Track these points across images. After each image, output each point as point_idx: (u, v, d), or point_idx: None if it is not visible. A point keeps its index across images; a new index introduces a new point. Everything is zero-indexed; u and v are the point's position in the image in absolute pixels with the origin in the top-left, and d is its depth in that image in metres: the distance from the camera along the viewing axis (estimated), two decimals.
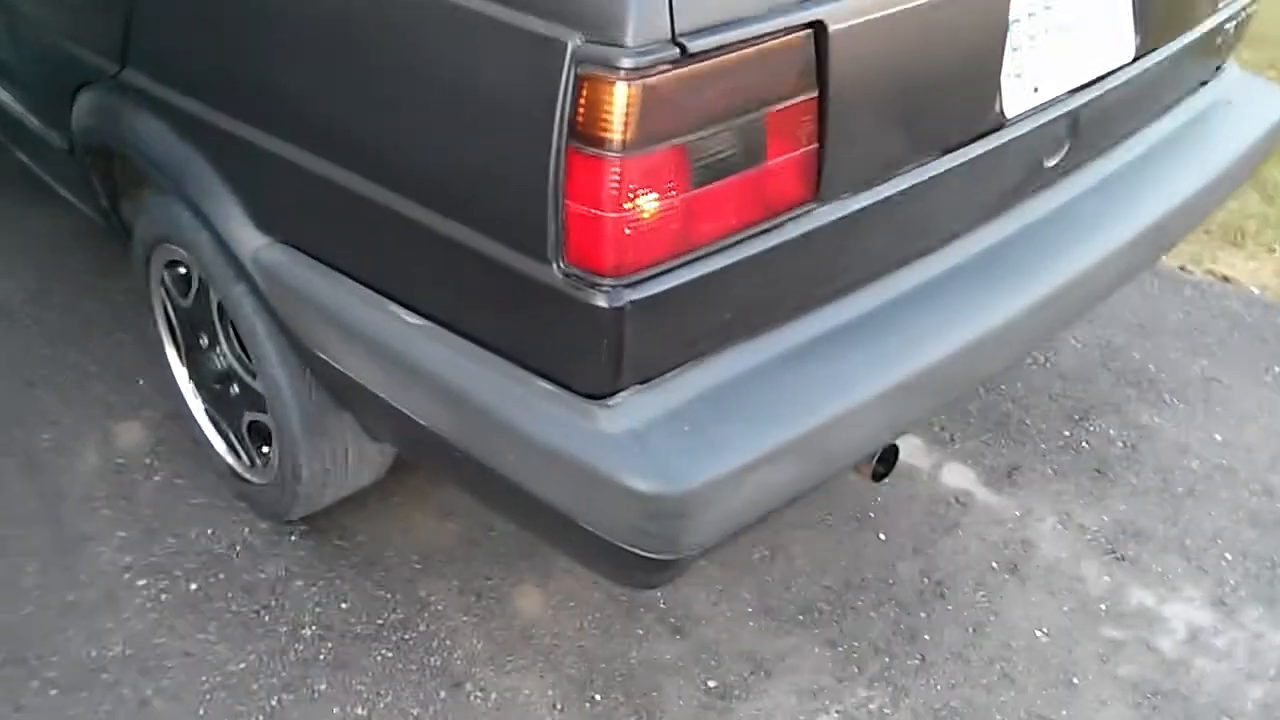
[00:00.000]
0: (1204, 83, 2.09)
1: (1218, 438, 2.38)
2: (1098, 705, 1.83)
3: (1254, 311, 2.80)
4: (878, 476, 1.61)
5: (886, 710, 1.81)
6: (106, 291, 2.79)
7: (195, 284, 1.99)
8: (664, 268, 1.25)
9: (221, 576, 2.07)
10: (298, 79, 1.51)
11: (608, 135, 1.15)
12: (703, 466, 1.27)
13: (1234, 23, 2.05)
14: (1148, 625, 1.96)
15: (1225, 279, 2.93)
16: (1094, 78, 1.70)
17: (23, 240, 3.01)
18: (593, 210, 1.19)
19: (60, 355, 2.59)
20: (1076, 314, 1.76)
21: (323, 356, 1.66)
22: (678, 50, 1.14)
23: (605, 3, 1.13)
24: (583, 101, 1.15)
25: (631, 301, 1.23)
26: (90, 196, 2.29)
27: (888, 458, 1.60)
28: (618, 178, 1.17)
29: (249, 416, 2.03)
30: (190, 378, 2.20)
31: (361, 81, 1.41)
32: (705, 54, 1.17)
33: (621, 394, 1.31)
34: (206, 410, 2.18)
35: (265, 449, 2.04)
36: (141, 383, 2.49)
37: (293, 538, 2.14)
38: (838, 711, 1.81)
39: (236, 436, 2.11)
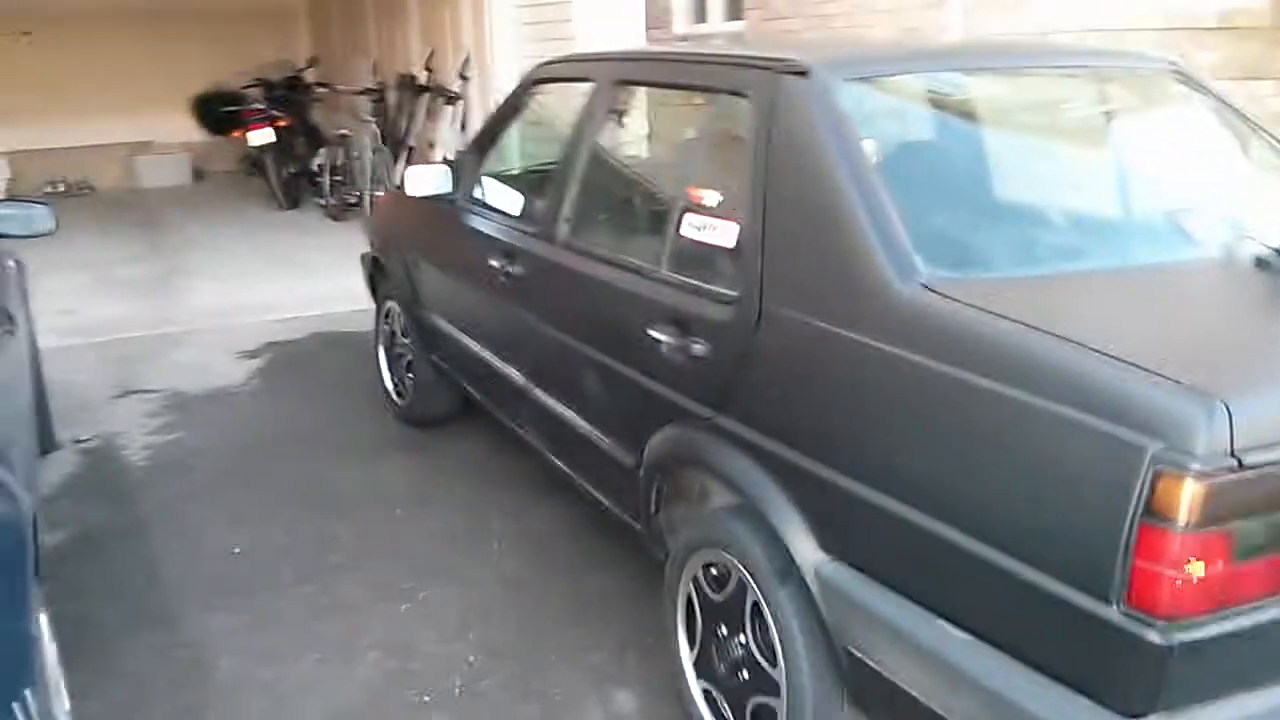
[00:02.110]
0: None
1: None
2: None
3: None
4: None
5: None
6: (595, 578, 3.43)
7: (732, 584, 2.51)
8: (1203, 620, 1.65)
9: None
10: (886, 439, 2.07)
11: (1174, 516, 1.60)
12: None
13: None
14: None
15: None
16: None
17: (528, 531, 3.77)
18: (1156, 567, 1.62)
19: (562, 629, 3.20)
20: None
21: (861, 657, 2.12)
22: (1235, 462, 1.60)
23: (1185, 424, 1.61)
24: (1157, 489, 1.61)
25: (1179, 640, 1.63)
26: (633, 504, 2.93)
27: None
28: (1179, 548, 1.61)
29: (755, 700, 2.48)
30: (695, 660, 2.70)
31: (948, 447, 1.94)
32: (1252, 466, 1.61)
33: (1153, 717, 1.68)
34: (705, 689, 2.66)
35: None
36: (630, 658, 3.03)
37: None
38: None
39: (736, 716, 2.55)
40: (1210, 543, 1.62)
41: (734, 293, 2.47)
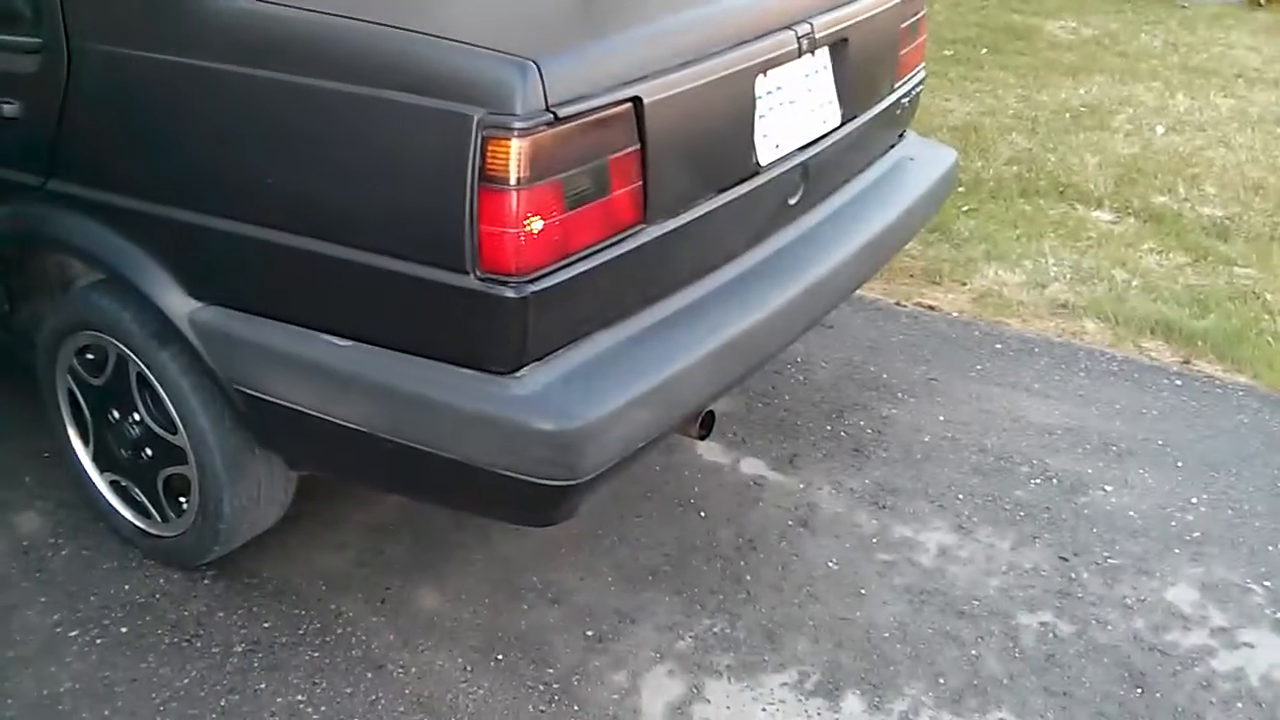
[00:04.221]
0: (893, 145, 2.83)
1: (941, 418, 3.07)
2: (882, 605, 2.40)
3: (956, 329, 3.56)
4: (702, 437, 2.15)
5: (727, 630, 2.32)
6: None
7: (111, 363, 2.32)
8: (550, 269, 1.76)
9: (149, 619, 2.36)
10: (235, 165, 1.95)
11: (506, 176, 1.67)
12: (588, 411, 1.78)
13: (908, 99, 2.81)
14: (910, 549, 2.56)
15: (931, 308, 3.70)
16: (815, 138, 2.36)
17: None
18: (499, 229, 1.69)
19: None
20: (824, 310, 2.39)
21: (254, 393, 2.05)
22: (552, 116, 1.68)
23: (501, 87, 1.66)
24: (488, 154, 1.67)
25: (532, 292, 1.73)
26: None
27: (708, 421, 2.14)
28: (516, 205, 1.69)
29: (165, 473, 2.35)
30: (94, 456, 2.50)
31: (298, 159, 1.87)
32: (569, 118, 1.71)
33: (526, 368, 1.81)
34: (112, 482, 2.49)
35: (180, 501, 2.36)
36: (27, 479, 2.75)
37: (205, 582, 2.45)
38: (691, 636, 2.30)
39: (149, 496, 2.42)
40: (542, 196, 1.71)
41: (37, 39, 2.16)
